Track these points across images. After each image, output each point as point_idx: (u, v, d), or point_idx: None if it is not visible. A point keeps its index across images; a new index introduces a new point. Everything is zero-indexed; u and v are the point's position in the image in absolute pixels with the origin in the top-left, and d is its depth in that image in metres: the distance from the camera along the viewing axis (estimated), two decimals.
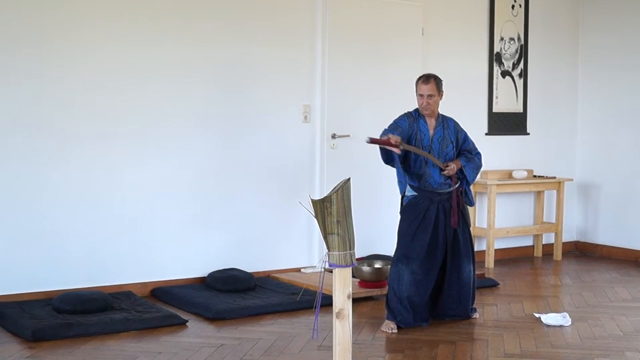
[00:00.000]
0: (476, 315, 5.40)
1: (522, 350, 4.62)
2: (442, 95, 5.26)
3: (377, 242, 6.83)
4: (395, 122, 5.22)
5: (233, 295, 5.72)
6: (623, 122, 7.89)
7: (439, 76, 5.24)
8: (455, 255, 5.23)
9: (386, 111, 6.95)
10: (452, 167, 5.17)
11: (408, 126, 5.18)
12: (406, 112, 5.30)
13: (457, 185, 5.23)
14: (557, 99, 8.14)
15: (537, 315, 5.40)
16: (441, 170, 5.15)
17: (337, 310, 3.62)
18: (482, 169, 7.48)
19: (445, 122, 5.30)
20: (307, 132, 6.64)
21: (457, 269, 5.25)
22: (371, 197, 6.83)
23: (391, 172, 7.03)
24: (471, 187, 5.35)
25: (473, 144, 5.42)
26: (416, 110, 5.28)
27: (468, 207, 5.40)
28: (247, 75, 6.32)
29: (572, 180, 8.01)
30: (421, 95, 5.17)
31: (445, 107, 7.22)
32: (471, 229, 5.46)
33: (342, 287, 3.63)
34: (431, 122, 5.25)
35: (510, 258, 7.75)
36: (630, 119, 7.82)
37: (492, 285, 6.40)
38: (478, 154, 5.40)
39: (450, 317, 5.29)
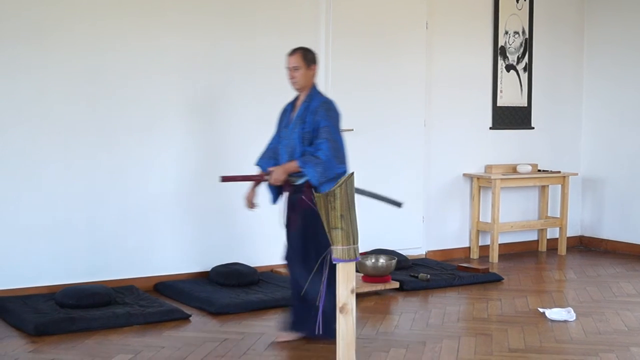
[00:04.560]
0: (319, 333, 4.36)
1: (526, 345, 4.60)
2: (313, 69, 4.62)
3: (381, 237, 6.81)
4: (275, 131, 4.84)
5: (236, 289, 5.71)
6: (628, 116, 7.85)
7: (311, 49, 4.71)
8: (292, 259, 4.67)
9: (389, 105, 6.97)
10: (272, 176, 4.58)
11: (283, 120, 4.78)
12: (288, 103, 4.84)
13: (299, 182, 4.52)
14: (562, 93, 8.10)
15: (541, 310, 5.39)
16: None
17: (340, 305, 3.61)
18: (485, 163, 7.56)
19: (310, 101, 4.60)
20: None
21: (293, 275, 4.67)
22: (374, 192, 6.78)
23: (395, 168, 7.04)
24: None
25: (328, 132, 4.48)
26: None
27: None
28: (249, 69, 6.30)
29: (576, 174, 7.98)
30: (288, 69, 4.65)
31: (449, 101, 7.27)
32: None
33: (346, 282, 3.61)
34: (300, 101, 4.68)
35: (514, 253, 7.73)
36: (635, 113, 7.78)
37: (496, 280, 6.39)
38: (324, 144, 4.45)
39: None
